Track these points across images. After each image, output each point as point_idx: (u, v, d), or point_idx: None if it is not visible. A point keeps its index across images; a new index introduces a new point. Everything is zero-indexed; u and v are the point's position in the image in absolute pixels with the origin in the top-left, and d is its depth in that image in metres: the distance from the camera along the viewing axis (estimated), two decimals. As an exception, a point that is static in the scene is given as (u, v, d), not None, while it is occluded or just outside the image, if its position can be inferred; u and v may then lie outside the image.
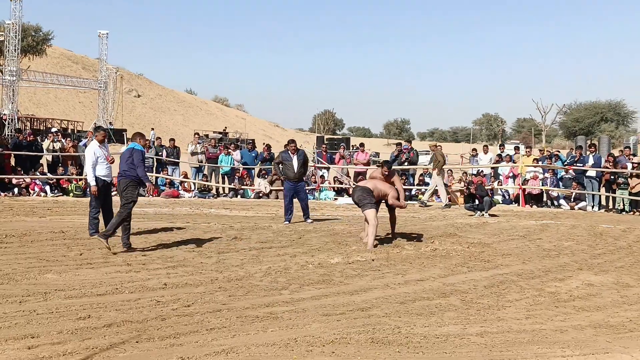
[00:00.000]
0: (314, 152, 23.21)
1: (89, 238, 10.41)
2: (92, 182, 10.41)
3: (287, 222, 13.41)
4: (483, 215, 15.75)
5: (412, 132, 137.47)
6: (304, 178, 14.44)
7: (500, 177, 20.70)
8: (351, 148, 26.53)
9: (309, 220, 13.61)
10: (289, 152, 13.75)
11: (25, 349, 4.84)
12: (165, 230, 11.70)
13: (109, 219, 10.55)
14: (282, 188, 20.17)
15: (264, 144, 25.07)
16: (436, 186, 18.71)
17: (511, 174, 20.20)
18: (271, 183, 20.30)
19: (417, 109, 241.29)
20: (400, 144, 22.72)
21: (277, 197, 20.08)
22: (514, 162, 20.38)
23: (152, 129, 52.97)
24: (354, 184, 18.34)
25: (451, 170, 22.05)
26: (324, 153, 22.73)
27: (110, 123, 56.50)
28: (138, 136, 10.23)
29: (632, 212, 17.79)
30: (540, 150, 24.68)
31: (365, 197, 10.57)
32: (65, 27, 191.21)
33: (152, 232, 11.50)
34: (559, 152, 22.24)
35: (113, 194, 11.29)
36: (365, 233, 10.82)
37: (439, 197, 19.04)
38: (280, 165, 13.83)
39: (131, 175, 9.69)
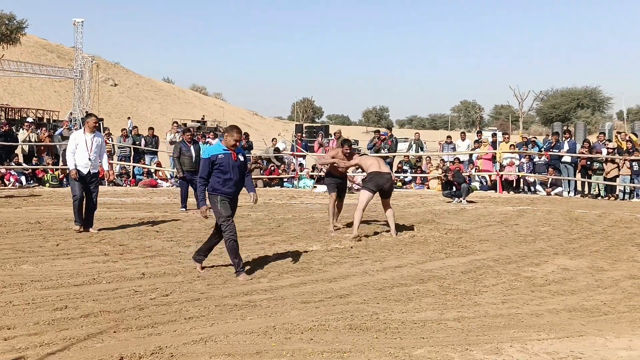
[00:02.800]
0: (293, 141, 23.23)
1: (65, 228, 10.32)
2: (71, 166, 10.03)
3: (184, 209, 13.33)
4: (461, 201, 15.86)
5: (391, 119, 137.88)
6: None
7: (475, 161, 20.81)
8: (329, 136, 26.70)
9: (183, 209, 13.39)
10: (185, 142, 13.51)
11: (1, 340, 4.80)
12: (143, 220, 11.63)
13: (91, 210, 10.32)
14: (262, 176, 20.29)
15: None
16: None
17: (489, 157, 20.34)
18: (250, 172, 20.24)
19: (395, 96, 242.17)
20: (378, 131, 22.76)
21: (255, 186, 20.02)
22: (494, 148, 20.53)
23: (129, 117, 52.49)
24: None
25: (429, 157, 22.15)
26: (299, 141, 22.79)
27: (86, 112, 55.89)
28: (229, 131, 7.56)
29: (607, 197, 18.03)
30: (522, 137, 24.86)
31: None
32: (40, 15, 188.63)
33: (129, 221, 11.42)
34: (535, 138, 22.40)
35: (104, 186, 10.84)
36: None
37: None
38: (179, 159, 13.36)
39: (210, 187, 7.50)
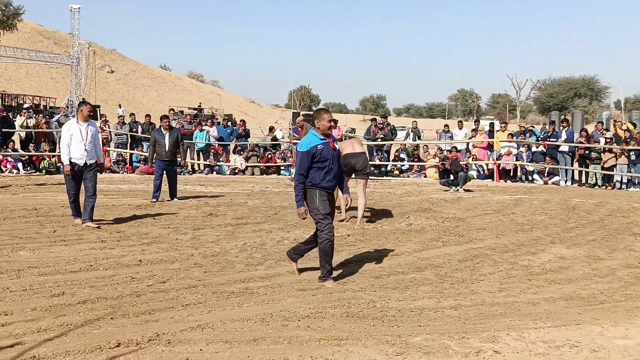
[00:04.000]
0: (290, 128, 23.19)
1: (62, 215, 10.30)
2: (65, 162, 9.50)
3: (155, 200, 12.62)
4: (458, 190, 15.86)
5: (388, 107, 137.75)
6: (177, 157, 13.15)
7: (471, 149, 20.74)
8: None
9: (175, 200, 12.85)
10: (162, 129, 12.81)
11: (-2, 326, 4.80)
12: (140, 207, 11.61)
13: (90, 201, 9.96)
14: (258, 164, 20.26)
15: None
16: None
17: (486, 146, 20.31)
18: (247, 159, 20.23)
19: (393, 84, 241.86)
20: (375, 119, 22.71)
21: (252, 174, 20.05)
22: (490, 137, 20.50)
23: (120, 105, 52.32)
24: None
25: (427, 146, 22.12)
26: (300, 129, 22.73)
27: (83, 99, 55.70)
28: (317, 116, 6.70)
29: (604, 187, 18.04)
30: (520, 126, 24.83)
31: None
32: (37, 1, 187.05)
33: (126, 208, 11.41)
34: (533, 127, 22.38)
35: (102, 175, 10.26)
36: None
37: None
38: (154, 146, 12.82)
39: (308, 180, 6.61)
